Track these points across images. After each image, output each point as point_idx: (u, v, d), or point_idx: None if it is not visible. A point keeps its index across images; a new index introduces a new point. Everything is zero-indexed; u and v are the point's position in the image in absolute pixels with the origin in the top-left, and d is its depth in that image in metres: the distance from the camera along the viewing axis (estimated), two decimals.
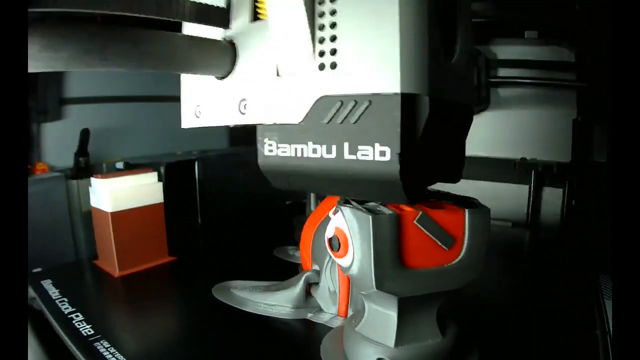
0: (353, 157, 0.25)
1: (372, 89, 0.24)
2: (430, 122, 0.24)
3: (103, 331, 0.38)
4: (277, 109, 0.29)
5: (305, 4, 0.25)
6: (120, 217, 0.51)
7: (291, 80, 0.28)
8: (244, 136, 1.08)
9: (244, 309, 0.41)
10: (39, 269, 0.52)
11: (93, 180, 0.52)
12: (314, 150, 0.27)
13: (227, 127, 0.34)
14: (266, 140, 0.29)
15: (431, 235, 0.29)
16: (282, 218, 0.76)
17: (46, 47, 0.22)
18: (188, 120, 0.37)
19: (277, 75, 0.28)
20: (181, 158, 0.77)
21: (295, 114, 0.27)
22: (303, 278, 0.40)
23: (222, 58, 0.31)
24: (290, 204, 0.89)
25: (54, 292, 0.46)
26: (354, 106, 0.25)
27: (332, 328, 0.38)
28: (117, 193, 0.51)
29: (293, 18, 0.26)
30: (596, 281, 0.47)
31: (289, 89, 0.28)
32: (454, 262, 0.29)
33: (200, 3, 0.30)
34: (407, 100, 0.23)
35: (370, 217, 0.27)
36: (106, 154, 0.80)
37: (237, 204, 0.83)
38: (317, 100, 0.26)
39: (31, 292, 0.47)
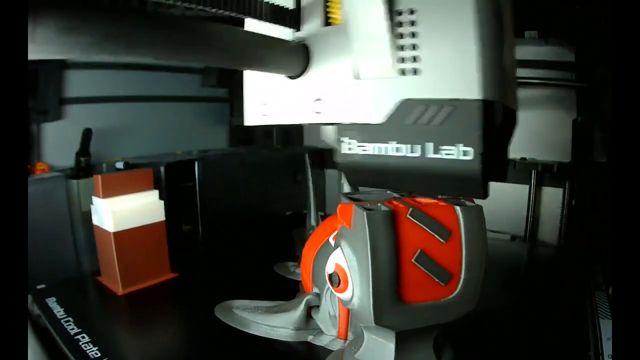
0: (437, 155, 0.27)
1: (453, 94, 0.26)
2: (501, 126, 0.27)
3: (110, 353, 0.39)
4: (355, 109, 0.30)
5: (385, 15, 0.27)
6: (123, 237, 0.51)
7: (371, 83, 0.29)
8: (244, 136, 1.08)
9: (246, 330, 0.42)
10: (42, 286, 0.53)
11: (95, 199, 0.53)
12: (397, 149, 0.28)
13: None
14: (345, 139, 0.31)
15: (428, 273, 0.29)
16: (282, 229, 0.75)
17: (67, 27, 0.19)
18: (253, 118, 0.37)
19: (356, 77, 0.29)
20: (181, 158, 0.76)
21: (375, 115, 0.29)
22: (304, 301, 0.41)
23: (295, 58, 0.32)
24: (290, 214, 0.89)
25: (58, 311, 0.47)
26: (439, 110, 0.26)
27: (332, 351, 0.38)
28: (120, 213, 0.51)
29: (373, 28, 0.27)
30: (592, 299, 0.47)
31: (368, 91, 0.29)
32: (450, 296, 0.30)
33: (274, 4, 0.31)
34: (487, 106, 0.25)
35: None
36: (106, 153, 0.80)
37: (238, 206, 0.83)
38: (400, 102, 0.28)
39: (36, 310, 0.48)
